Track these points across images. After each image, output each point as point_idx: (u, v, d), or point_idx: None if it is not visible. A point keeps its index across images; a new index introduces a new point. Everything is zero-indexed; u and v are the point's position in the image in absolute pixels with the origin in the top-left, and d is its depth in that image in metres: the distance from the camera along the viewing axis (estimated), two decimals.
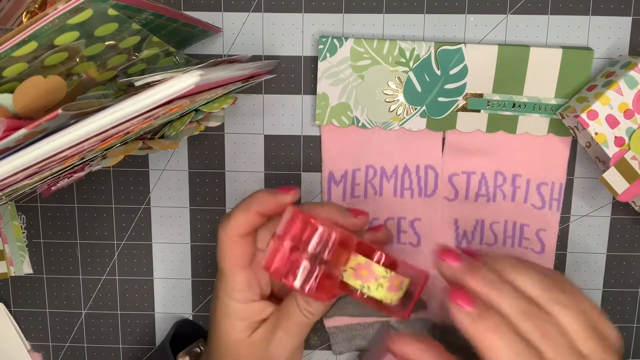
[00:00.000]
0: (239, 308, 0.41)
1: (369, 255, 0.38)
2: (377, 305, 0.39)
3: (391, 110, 0.47)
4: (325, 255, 0.37)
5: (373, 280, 0.38)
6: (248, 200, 0.40)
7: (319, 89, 0.47)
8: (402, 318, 0.40)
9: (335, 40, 0.46)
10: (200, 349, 0.49)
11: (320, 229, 0.37)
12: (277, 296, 0.44)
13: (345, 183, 0.50)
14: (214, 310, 0.43)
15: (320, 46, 0.46)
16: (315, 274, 0.37)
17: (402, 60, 0.46)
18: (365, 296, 0.38)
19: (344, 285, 0.39)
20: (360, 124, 0.48)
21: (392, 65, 0.46)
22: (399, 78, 0.47)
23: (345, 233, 0.38)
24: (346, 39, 0.46)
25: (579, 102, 0.45)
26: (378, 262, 0.39)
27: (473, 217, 0.50)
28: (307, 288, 0.37)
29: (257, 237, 0.42)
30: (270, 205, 0.40)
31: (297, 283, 0.37)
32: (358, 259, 0.38)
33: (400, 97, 0.47)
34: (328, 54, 0.46)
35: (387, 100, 0.47)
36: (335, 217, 0.41)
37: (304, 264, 0.37)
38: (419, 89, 0.47)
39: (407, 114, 0.47)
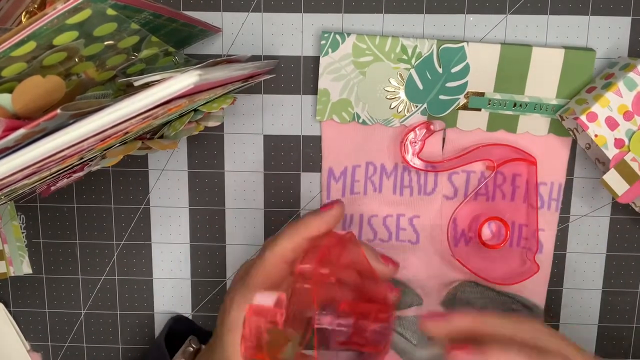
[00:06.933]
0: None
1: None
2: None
3: (392, 107, 0.47)
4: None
5: None
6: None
7: (320, 85, 0.47)
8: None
9: (337, 36, 0.46)
10: (193, 347, 0.49)
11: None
12: None
13: (345, 179, 0.49)
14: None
15: (323, 42, 0.46)
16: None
17: (404, 57, 0.46)
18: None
19: None
20: (360, 121, 0.48)
21: (394, 62, 0.46)
22: (400, 75, 0.47)
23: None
24: (348, 35, 0.46)
25: (578, 104, 0.45)
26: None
27: (472, 216, 0.50)
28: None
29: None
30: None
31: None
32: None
33: (402, 94, 0.47)
34: (330, 50, 0.46)
35: (388, 97, 0.47)
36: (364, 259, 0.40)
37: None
38: (420, 86, 0.47)
39: (408, 111, 0.47)
